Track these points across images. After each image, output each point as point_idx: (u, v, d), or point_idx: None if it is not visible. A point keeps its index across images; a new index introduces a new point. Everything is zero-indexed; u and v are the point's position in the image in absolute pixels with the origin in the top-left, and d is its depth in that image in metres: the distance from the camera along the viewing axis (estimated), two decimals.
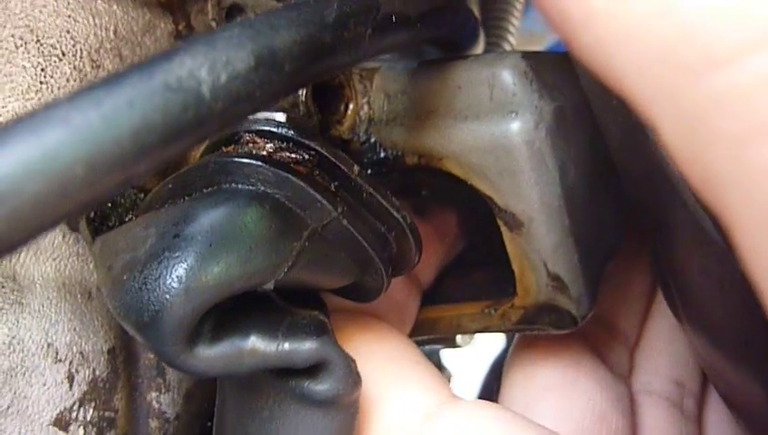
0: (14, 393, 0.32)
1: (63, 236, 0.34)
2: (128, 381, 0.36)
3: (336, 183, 0.31)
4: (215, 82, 0.21)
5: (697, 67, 0.16)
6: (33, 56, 0.33)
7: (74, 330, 0.34)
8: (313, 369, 0.28)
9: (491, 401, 0.34)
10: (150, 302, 0.25)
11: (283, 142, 0.30)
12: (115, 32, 0.35)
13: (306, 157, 0.30)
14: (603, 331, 0.42)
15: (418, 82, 0.35)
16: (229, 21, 0.38)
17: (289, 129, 0.30)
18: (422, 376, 0.32)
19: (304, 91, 0.33)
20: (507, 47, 0.60)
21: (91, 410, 0.34)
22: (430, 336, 0.39)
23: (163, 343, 0.26)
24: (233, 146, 0.30)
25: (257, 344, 0.27)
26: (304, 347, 0.27)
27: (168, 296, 0.25)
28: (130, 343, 0.36)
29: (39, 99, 0.33)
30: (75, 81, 0.34)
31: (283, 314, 0.28)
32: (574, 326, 0.35)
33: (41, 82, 0.33)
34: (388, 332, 0.34)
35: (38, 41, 0.33)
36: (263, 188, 0.28)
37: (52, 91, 0.33)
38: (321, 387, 0.28)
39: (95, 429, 0.34)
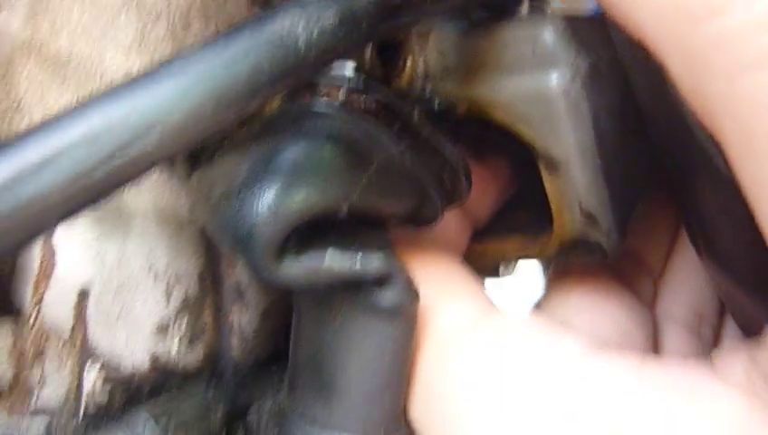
0: (123, 305, 0.38)
1: (159, 174, 0.39)
2: (213, 301, 0.42)
3: (399, 125, 0.35)
4: (308, 37, 0.26)
5: (700, 14, 0.21)
6: (134, 18, 0.38)
7: (170, 255, 0.40)
8: (380, 281, 0.32)
9: None
10: (245, 224, 0.30)
11: (353, 91, 0.35)
12: None
13: (373, 103, 0.35)
14: (631, 263, 0.47)
15: (469, 40, 0.40)
16: None
17: (359, 79, 0.35)
18: (473, 290, 0.36)
19: (370, 48, 0.38)
20: (548, 10, 0.63)
21: (184, 325, 0.40)
22: (477, 265, 0.43)
23: (256, 258, 0.30)
24: (309, 93, 0.35)
25: (335, 258, 0.31)
26: (374, 261, 0.31)
27: (259, 219, 0.30)
28: (216, 268, 0.42)
29: (138, 56, 0.38)
30: (169, 40, 0.39)
31: (354, 234, 0.32)
32: (604, 257, 0.40)
33: (140, 42, 0.38)
34: (440, 254, 0.38)
35: (138, 4, 0.38)
36: (337, 127, 0.33)
37: (149, 49, 0.38)
38: (386, 299, 0.32)
39: (187, 339, 0.40)
